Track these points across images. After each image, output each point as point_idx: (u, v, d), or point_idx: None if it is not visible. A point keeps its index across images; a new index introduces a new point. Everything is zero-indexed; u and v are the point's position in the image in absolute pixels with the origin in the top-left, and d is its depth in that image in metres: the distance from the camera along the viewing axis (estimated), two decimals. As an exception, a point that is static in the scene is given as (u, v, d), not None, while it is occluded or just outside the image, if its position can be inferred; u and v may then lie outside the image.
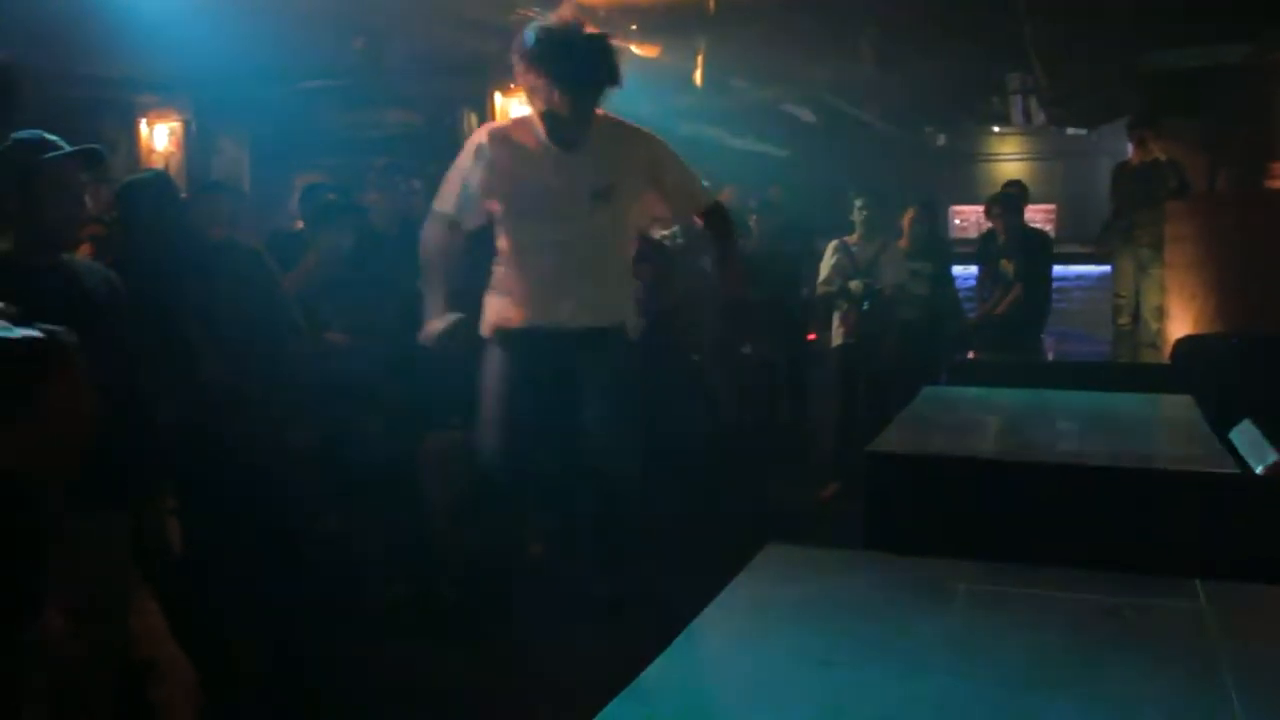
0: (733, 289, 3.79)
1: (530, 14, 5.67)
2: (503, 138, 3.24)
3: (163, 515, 2.77)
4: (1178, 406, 3.46)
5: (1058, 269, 7.67)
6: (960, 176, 12.20)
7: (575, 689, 2.37)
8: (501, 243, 3.30)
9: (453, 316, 3.21)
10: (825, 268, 6.27)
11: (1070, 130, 11.75)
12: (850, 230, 6.30)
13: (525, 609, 3.63)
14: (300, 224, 4.69)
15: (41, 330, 1.01)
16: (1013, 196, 7.14)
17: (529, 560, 4.10)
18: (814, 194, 9.76)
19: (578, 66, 3.04)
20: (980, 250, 7.29)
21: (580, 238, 3.21)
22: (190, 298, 3.36)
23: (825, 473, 6.13)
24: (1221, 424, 3.04)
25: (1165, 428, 3.38)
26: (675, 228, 5.95)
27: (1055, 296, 7.51)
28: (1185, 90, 7.77)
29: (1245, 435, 2.87)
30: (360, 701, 3.49)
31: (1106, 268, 7.62)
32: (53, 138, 2.49)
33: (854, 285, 6.11)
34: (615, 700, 1.52)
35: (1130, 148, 7.21)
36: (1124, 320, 7.05)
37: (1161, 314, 6.56)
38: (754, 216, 6.75)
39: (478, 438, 3.39)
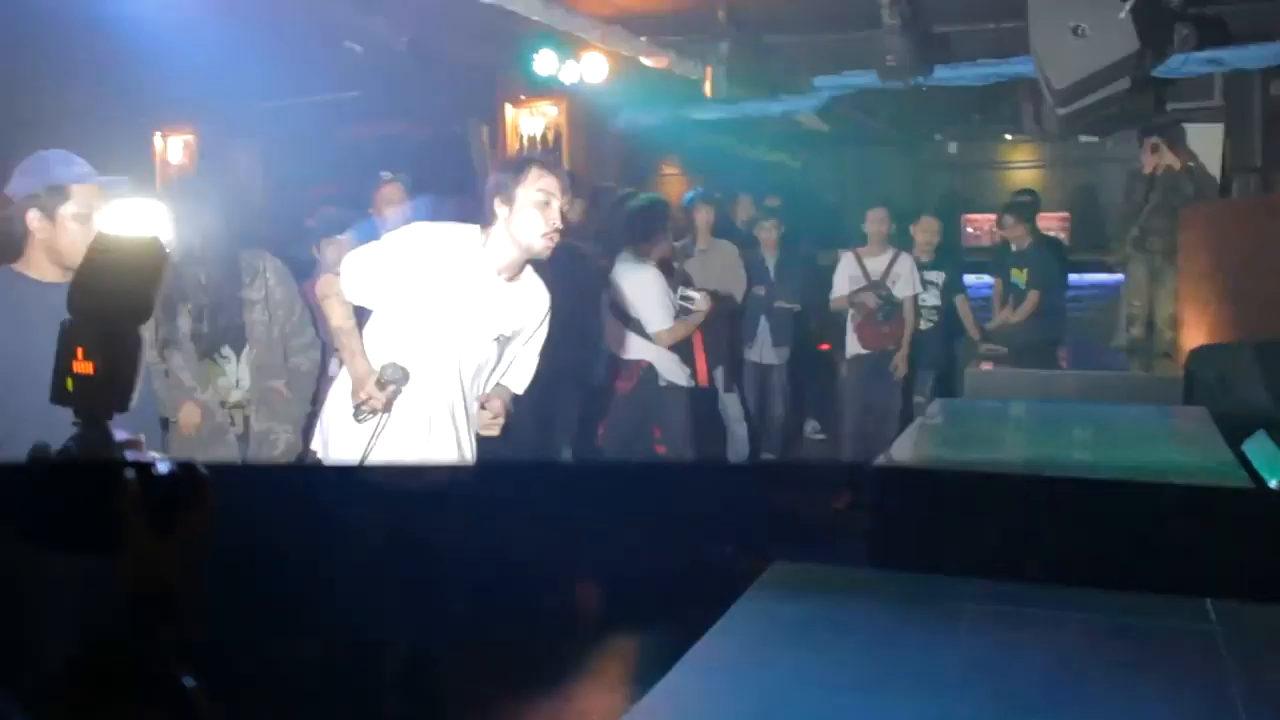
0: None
1: (540, 26, 5.71)
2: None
3: None
4: (1191, 418, 3.43)
5: (1072, 277, 7.62)
6: (972, 185, 12.13)
7: (587, 708, 2.36)
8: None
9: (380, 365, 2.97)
10: (839, 279, 6.24)
11: (1083, 138, 11.69)
12: (863, 241, 6.29)
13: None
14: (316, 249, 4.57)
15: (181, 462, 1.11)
16: (1025, 205, 7.08)
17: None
18: (822, 203, 9.75)
19: None
20: (994, 260, 7.25)
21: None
22: None
23: (838, 483, 6.09)
24: (1236, 435, 3.01)
25: (1179, 440, 3.36)
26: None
27: (1069, 305, 7.44)
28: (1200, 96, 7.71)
29: (1259, 446, 2.85)
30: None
31: (1120, 276, 7.56)
32: None
33: (868, 296, 6.09)
34: (619, 722, 1.51)
35: (1144, 155, 7.15)
36: (1138, 331, 6.97)
37: (1176, 323, 6.51)
38: (764, 224, 6.72)
39: None
